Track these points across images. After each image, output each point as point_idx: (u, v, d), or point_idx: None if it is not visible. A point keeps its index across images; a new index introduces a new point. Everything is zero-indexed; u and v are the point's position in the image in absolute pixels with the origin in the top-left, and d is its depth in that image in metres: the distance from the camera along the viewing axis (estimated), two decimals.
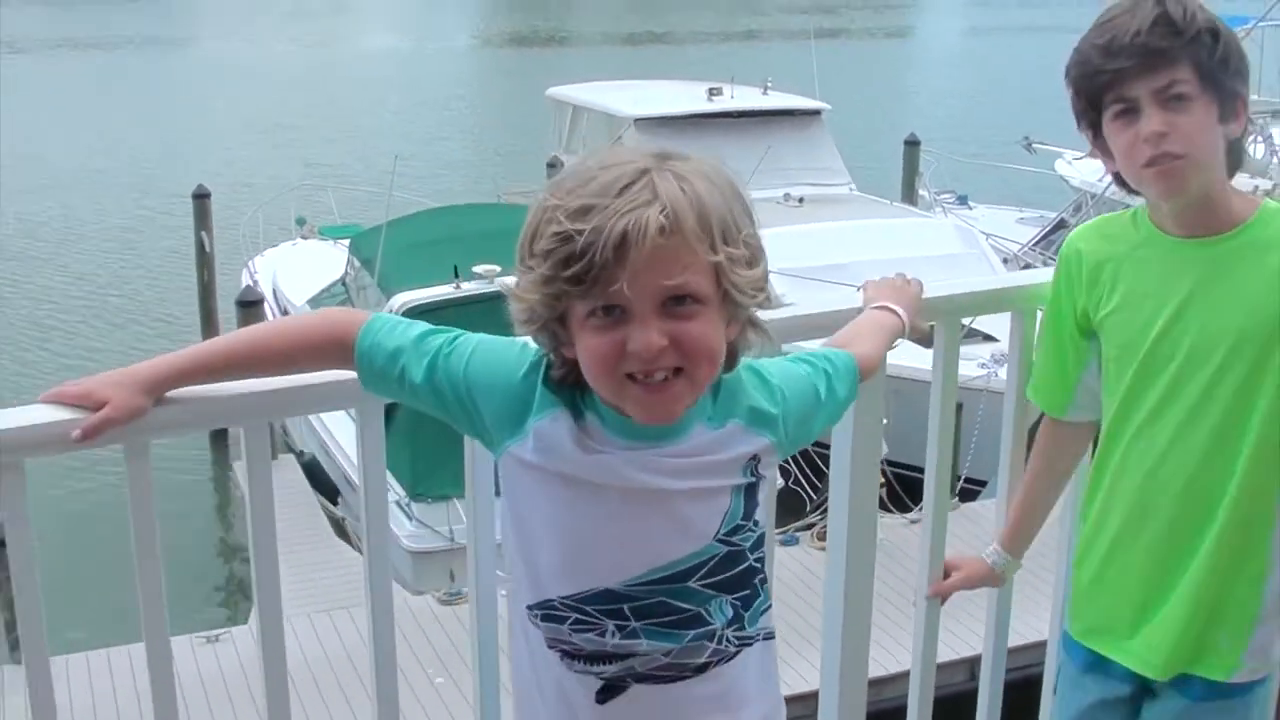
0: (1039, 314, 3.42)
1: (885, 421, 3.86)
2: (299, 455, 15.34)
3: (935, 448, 3.60)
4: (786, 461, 14.18)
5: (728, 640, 2.35)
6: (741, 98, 23.29)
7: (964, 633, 8.46)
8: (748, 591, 2.37)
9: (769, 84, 23.98)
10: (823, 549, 3.24)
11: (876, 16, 73.42)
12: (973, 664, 8.07)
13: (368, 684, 3.03)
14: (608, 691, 2.34)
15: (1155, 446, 3.08)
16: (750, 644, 2.40)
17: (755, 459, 2.37)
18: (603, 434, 2.28)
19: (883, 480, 12.38)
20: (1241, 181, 13.20)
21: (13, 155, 36.76)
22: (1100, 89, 2.89)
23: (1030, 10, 79.09)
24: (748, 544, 2.36)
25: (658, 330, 2.13)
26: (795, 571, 11.68)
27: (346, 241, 18.56)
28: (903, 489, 11.29)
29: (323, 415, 14.33)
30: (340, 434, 14.45)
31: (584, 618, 2.31)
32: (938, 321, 3.45)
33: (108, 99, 49.65)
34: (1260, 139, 22.34)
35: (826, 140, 22.96)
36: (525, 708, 2.47)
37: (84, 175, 36.85)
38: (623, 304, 2.13)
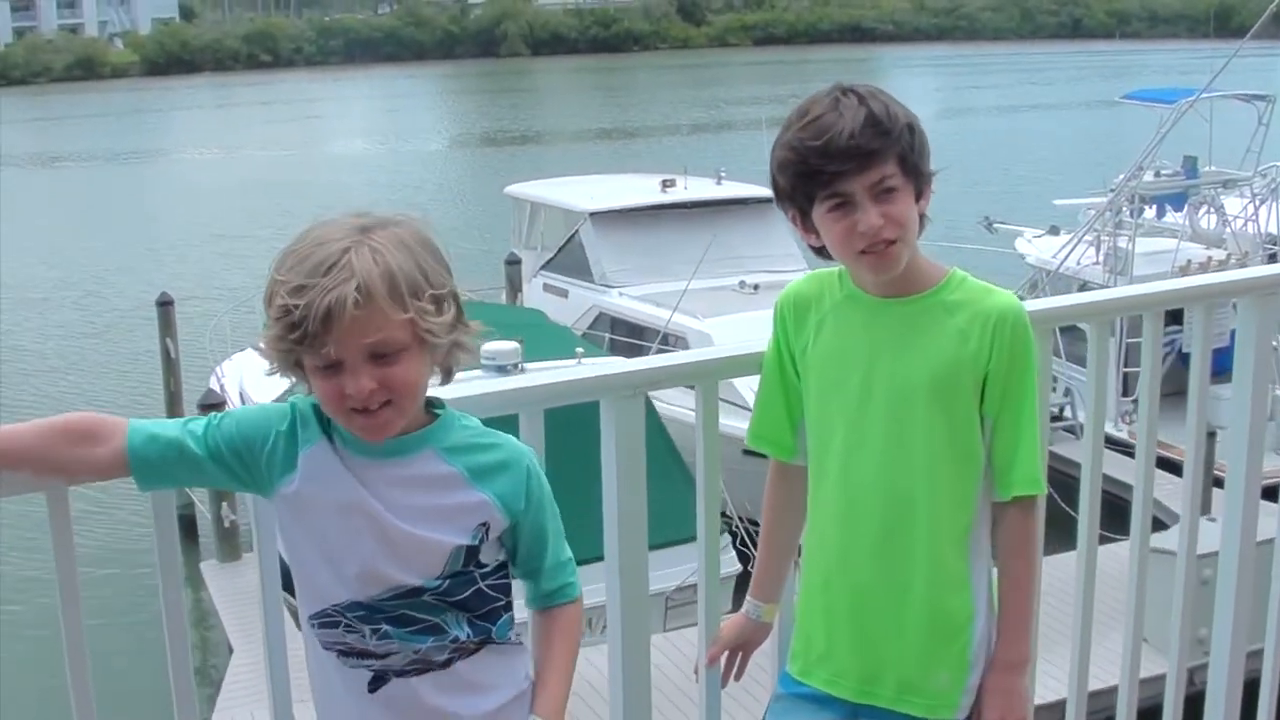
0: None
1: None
2: None
3: (703, 512, 3.64)
4: (746, 546, 14.28)
5: (466, 643, 2.86)
6: (695, 189, 23.54)
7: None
8: (485, 610, 2.88)
9: (722, 174, 24.21)
10: None
11: None
12: None
13: None
14: (376, 682, 2.84)
15: (853, 488, 3.31)
16: (495, 645, 2.90)
17: (485, 526, 2.85)
18: (348, 454, 2.79)
19: None
20: (1196, 253, 13.49)
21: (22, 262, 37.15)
22: (817, 186, 3.13)
23: (990, 92, 79.81)
24: (476, 572, 2.86)
25: (368, 375, 2.66)
26: None
27: None
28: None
29: None
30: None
31: (349, 624, 2.82)
32: (697, 385, 3.55)
33: (84, 210, 49.97)
34: (1212, 209, 22.63)
35: (781, 227, 23.09)
36: (324, 708, 2.94)
37: (55, 283, 37.20)
38: (338, 358, 2.65)
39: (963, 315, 3.23)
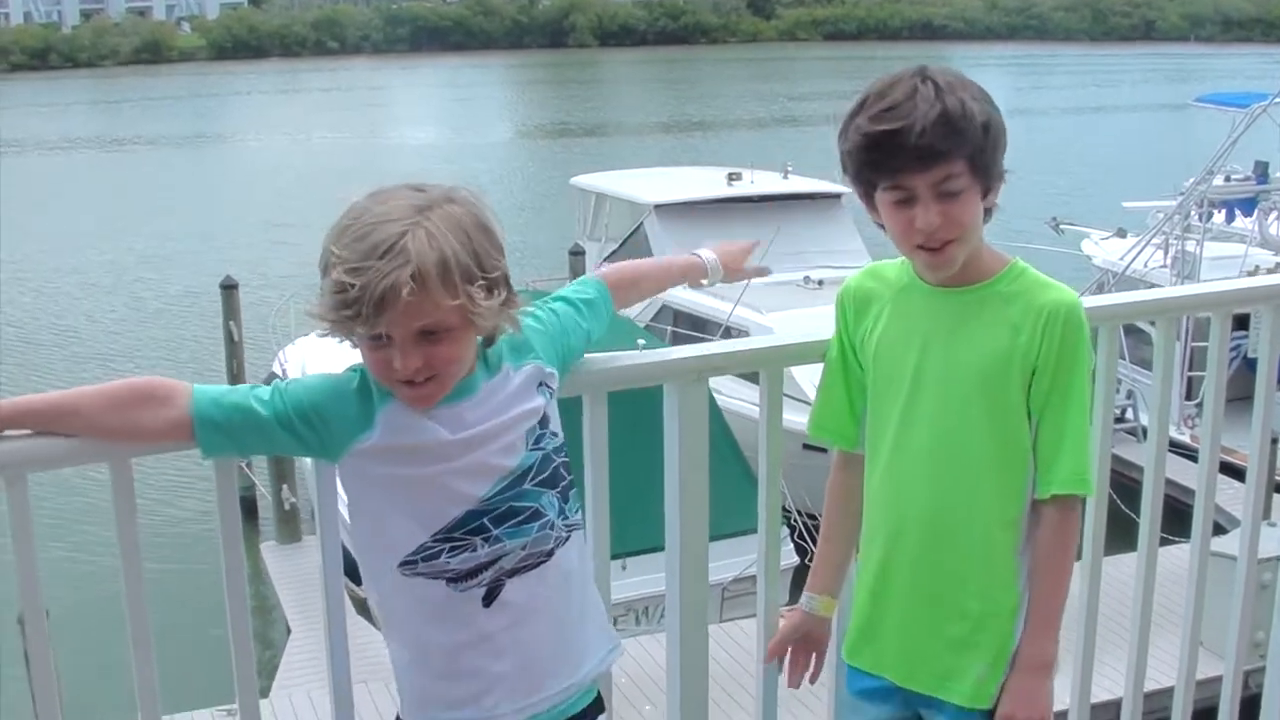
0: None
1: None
2: None
3: (765, 498, 3.64)
4: (804, 539, 14.22)
5: (559, 527, 3.05)
6: (761, 182, 23.51)
7: None
8: (561, 486, 3.07)
9: (789, 168, 24.17)
10: None
11: None
12: None
13: None
14: (490, 595, 2.98)
15: (902, 476, 3.32)
16: (575, 529, 3.11)
17: (544, 385, 3.06)
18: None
19: None
20: (1264, 259, 13.24)
21: (51, 250, 37.44)
22: (882, 175, 3.10)
23: (1060, 92, 79.41)
24: (552, 447, 3.05)
25: (414, 355, 2.78)
26: None
27: None
28: None
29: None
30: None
31: (455, 544, 2.94)
32: (761, 371, 3.57)
33: (145, 194, 50.28)
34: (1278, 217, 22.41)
35: (847, 223, 23.03)
36: (420, 655, 3.05)
37: (118, 266, 37.47)
38: (388, 335, 2.77)
39: (1016, 307, 3.21)
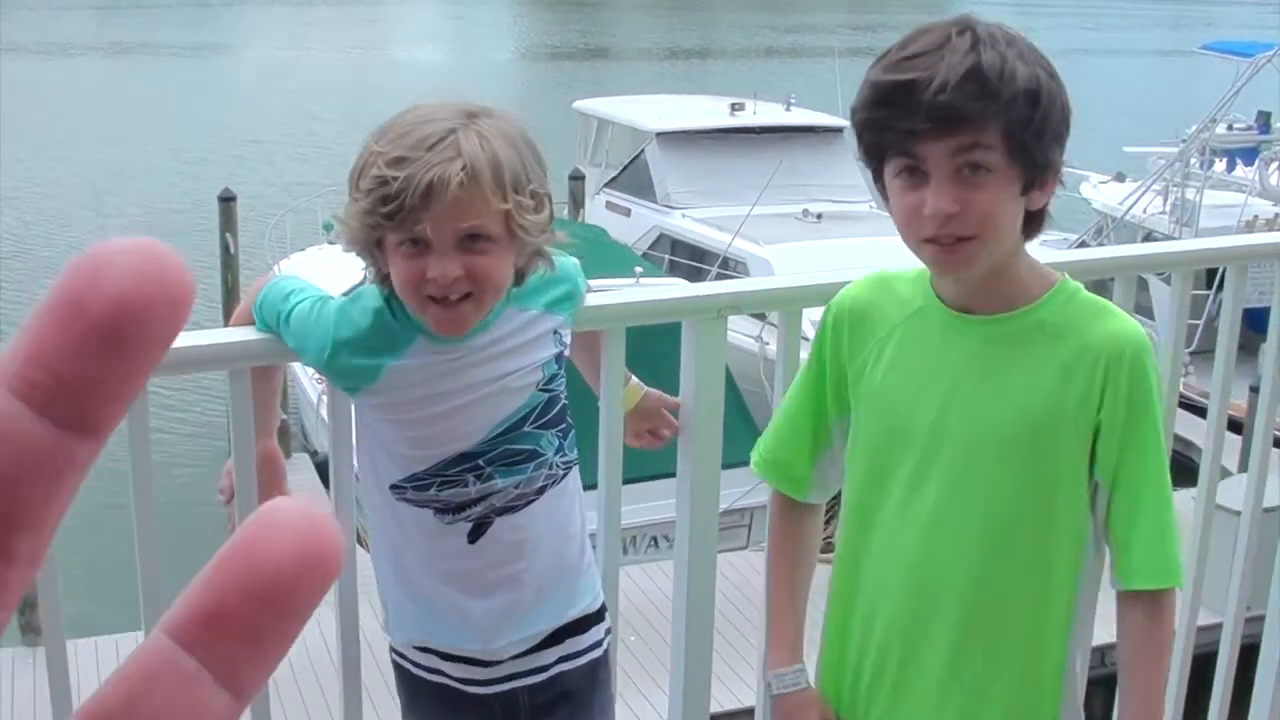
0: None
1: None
2: (313, 454, 15.51)
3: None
4: None
5: (556, 465, 2.93)
6: (764, 113, 23.32)
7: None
8: (564, 424, 2.95)
9: (792, 100, 24.07)
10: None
11: None
12: None
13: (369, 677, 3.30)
14: (476, 531, 2.89)
15: (926, 558, 2.69)
16: (571, 467, 2.98)
17: (558, 332, 2.91)
18: (429, 343, 2.77)
19: None
20: (1263, 209, 13.06)
21: (48, 157, 37.24)
22: (886, 139, 2.46)
23: (1068, 33, 79.10)
24: (560, 388, 2.92)
25: (454, 262, 2.60)
26: None
27: None
28: None
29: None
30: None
31: (447, 479, 2.85)
32: (780, 312, 3.53)
33: (148, 102, 49.96)
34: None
35: (848, 157, 22.90)
36: (399, 573, 2.98)
37: (117, 175, 37.25)
38: (426, 239, 2.59)
39: (1067, 344, 2.56)
